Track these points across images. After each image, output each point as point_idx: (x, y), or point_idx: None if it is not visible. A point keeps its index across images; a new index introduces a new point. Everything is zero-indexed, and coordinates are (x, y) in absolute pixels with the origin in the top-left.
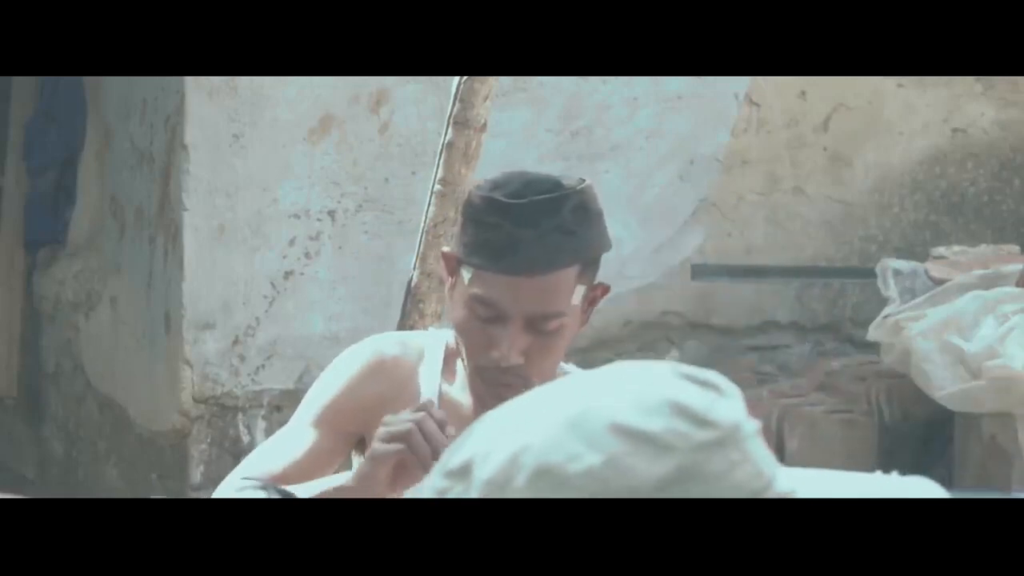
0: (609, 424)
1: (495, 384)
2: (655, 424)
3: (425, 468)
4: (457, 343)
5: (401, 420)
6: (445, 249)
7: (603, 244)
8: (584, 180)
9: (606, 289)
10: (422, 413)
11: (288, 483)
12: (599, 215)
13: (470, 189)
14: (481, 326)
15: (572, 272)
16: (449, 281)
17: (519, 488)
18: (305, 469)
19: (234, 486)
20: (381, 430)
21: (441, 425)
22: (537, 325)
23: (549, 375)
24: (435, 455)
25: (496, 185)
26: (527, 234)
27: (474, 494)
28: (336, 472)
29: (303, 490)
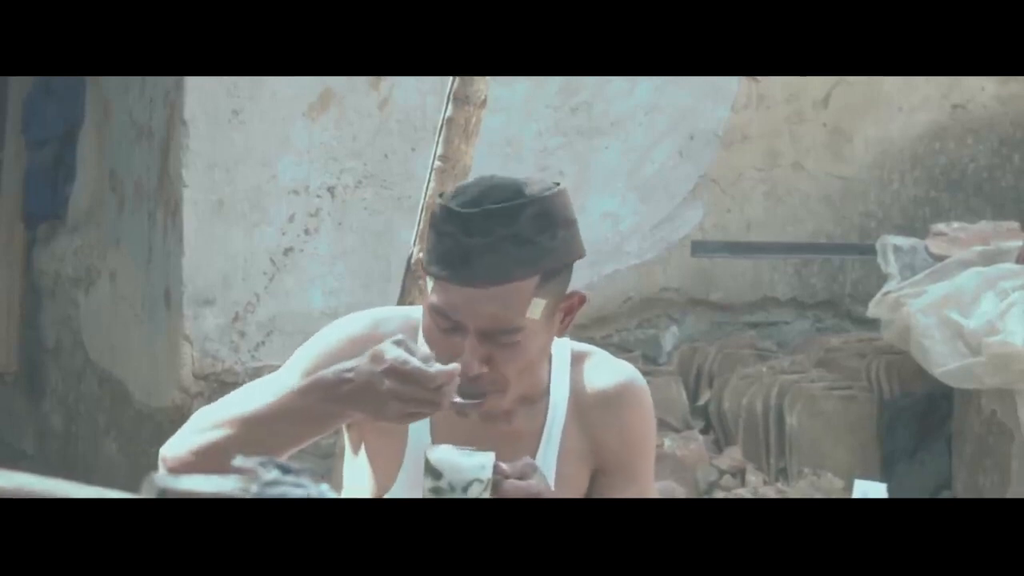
0: None
1: (468, 393)
2: None
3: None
4: None
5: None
6: (420, 255)
7: (569, 253)
8: (556, 185)
9: (582, 299)
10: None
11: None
12: (567, 222)
13: (435, 197)
14: (443, 336)
15: (529, 284)
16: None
17: None
18: None
19: (199, 424)
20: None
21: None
22: (493, 338)
23: (525, 375)
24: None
25: (457, 193)
26: (479, 244)
27: None
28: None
29: (243, 395)
